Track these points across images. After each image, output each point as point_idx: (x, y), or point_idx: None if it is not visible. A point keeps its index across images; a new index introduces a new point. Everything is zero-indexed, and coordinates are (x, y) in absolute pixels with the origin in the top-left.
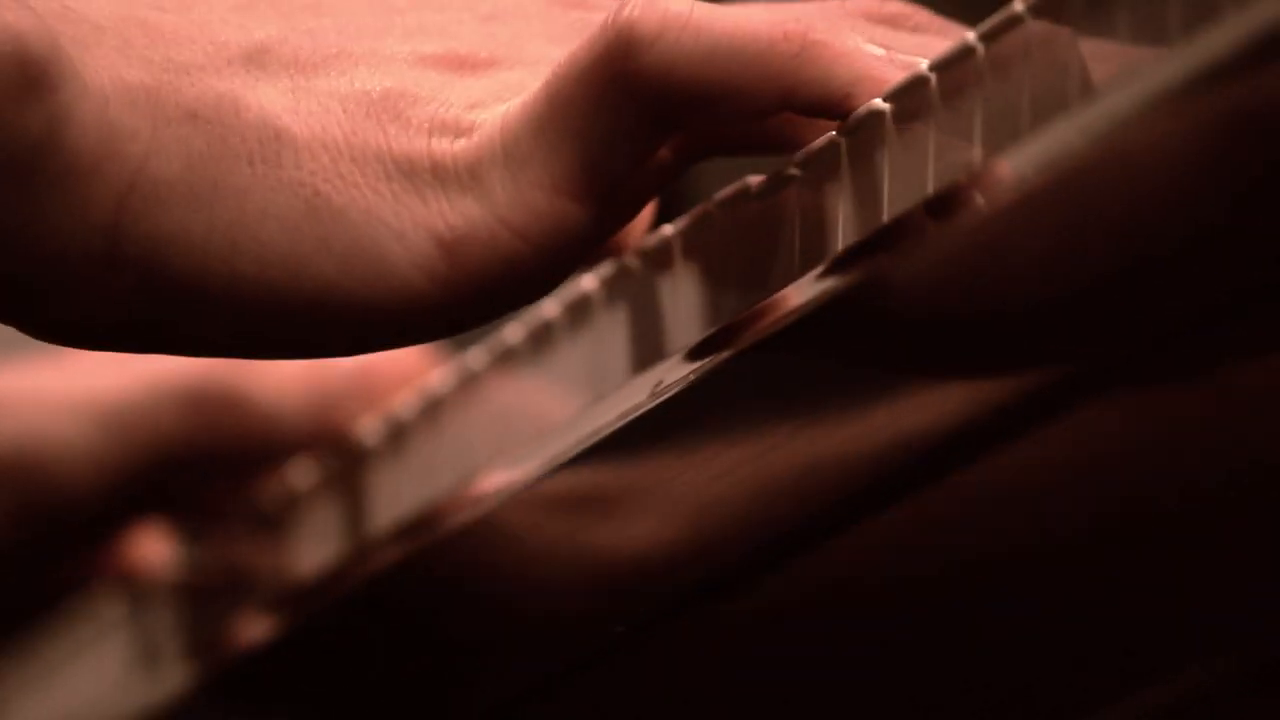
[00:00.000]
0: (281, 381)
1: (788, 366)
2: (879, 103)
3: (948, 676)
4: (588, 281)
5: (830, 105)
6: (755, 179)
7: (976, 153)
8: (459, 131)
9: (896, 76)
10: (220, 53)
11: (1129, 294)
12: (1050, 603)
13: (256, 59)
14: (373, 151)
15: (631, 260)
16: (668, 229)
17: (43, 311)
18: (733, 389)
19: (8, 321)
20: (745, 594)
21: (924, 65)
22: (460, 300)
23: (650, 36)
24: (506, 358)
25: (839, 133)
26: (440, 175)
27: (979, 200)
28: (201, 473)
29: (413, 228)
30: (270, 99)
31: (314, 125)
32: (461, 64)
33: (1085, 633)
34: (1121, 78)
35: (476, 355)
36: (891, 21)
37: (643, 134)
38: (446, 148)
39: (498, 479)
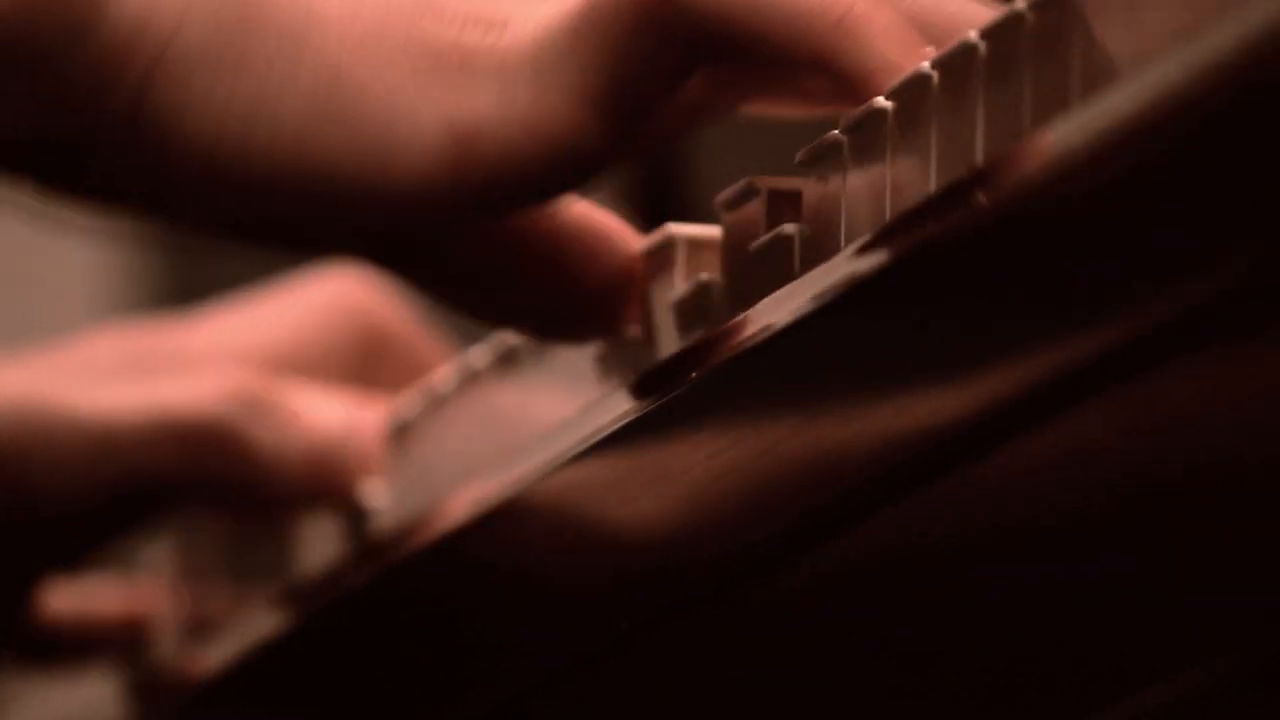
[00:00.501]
0: (283, 439)
1: (796, 357)
2: (881, 101)
3: (948, 674)
4: None
5: (858, 81)
6: (762, 180)
7: (978, 149)
8: (491, 26)
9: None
10: None
11: (1135, 289)
12: (1050, 599)
13: None
14: (401, 35)
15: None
16: (672, 228)
17: (87, 180)
18: (738, 382)
19: (64, 192)
20: (758, 584)
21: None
22: (463, 193)
23: None
24: (509, 357)
25: (841, 130)
26: (465, 66)
27: (981, 198)
28: (187, 510)
29: (428, 112)
30: None
31: (345, 7)
32: None
33: (1087, 631)
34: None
35: (479, 353)
36: None
37: (673, 63)
38: (477, 40)
39: (505, 474)
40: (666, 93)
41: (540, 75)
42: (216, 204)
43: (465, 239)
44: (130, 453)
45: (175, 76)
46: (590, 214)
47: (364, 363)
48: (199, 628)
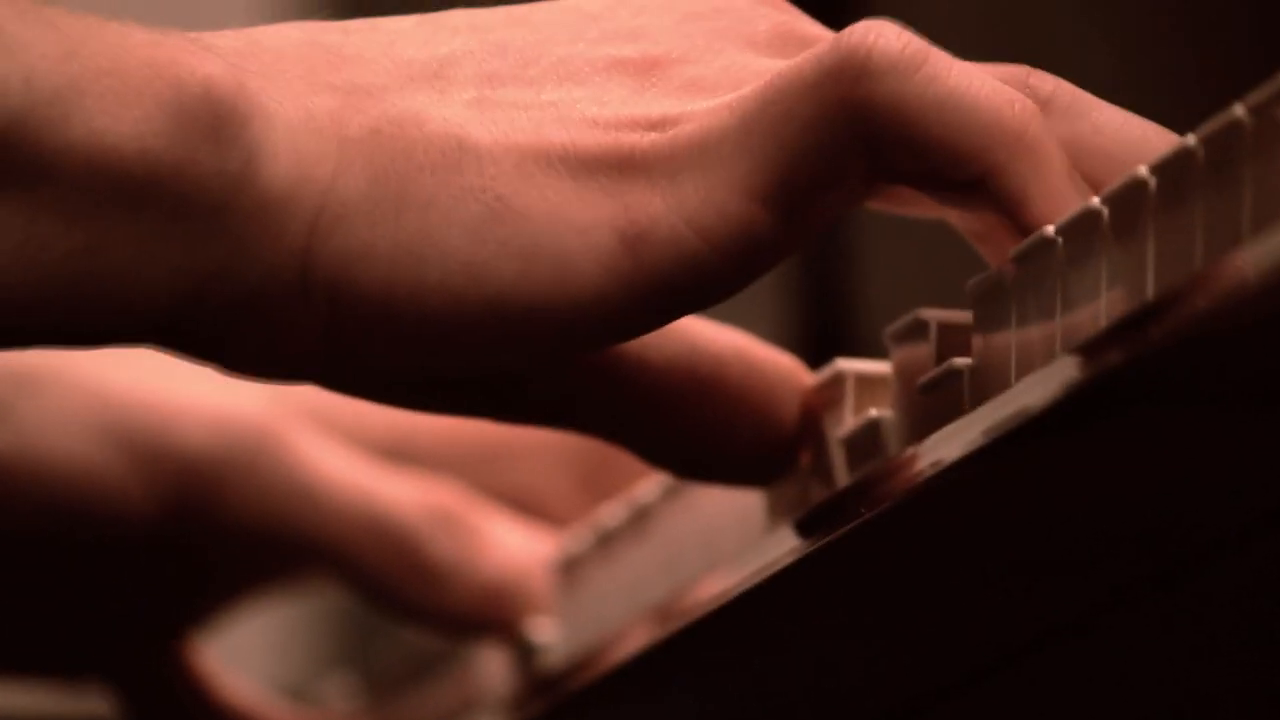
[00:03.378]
0: (465, 563)
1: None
2: (1049, 231)
3: None
4: None
5: (1015, 202)
6: (930, 312)
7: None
8: (652, 127)
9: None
10: (403, 71)
11: None
12: None
13: (441, 75)
14: (557, 151)
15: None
16: (841, 363)
17: (239, 346)
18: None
19: (203, 359)
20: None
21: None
22: (638, 300)
23: (885, 66)
24: (677, 491)
25: (1012, 259)
26: (627, 169)
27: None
28: (232, 542)
29: (595, 223)
30: (453, 112)
31: (496, 132)
32: (655, 65)
33: None
34: None
35: (648, 488)
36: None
37: (848, 159)
38: (637, 141)
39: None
40: (834, 187)
41: (708, 171)
42: (392, 350)
43: (638, 381)
44: (331, 535)
45: (339, 224)
46: (762, 353)
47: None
48: None
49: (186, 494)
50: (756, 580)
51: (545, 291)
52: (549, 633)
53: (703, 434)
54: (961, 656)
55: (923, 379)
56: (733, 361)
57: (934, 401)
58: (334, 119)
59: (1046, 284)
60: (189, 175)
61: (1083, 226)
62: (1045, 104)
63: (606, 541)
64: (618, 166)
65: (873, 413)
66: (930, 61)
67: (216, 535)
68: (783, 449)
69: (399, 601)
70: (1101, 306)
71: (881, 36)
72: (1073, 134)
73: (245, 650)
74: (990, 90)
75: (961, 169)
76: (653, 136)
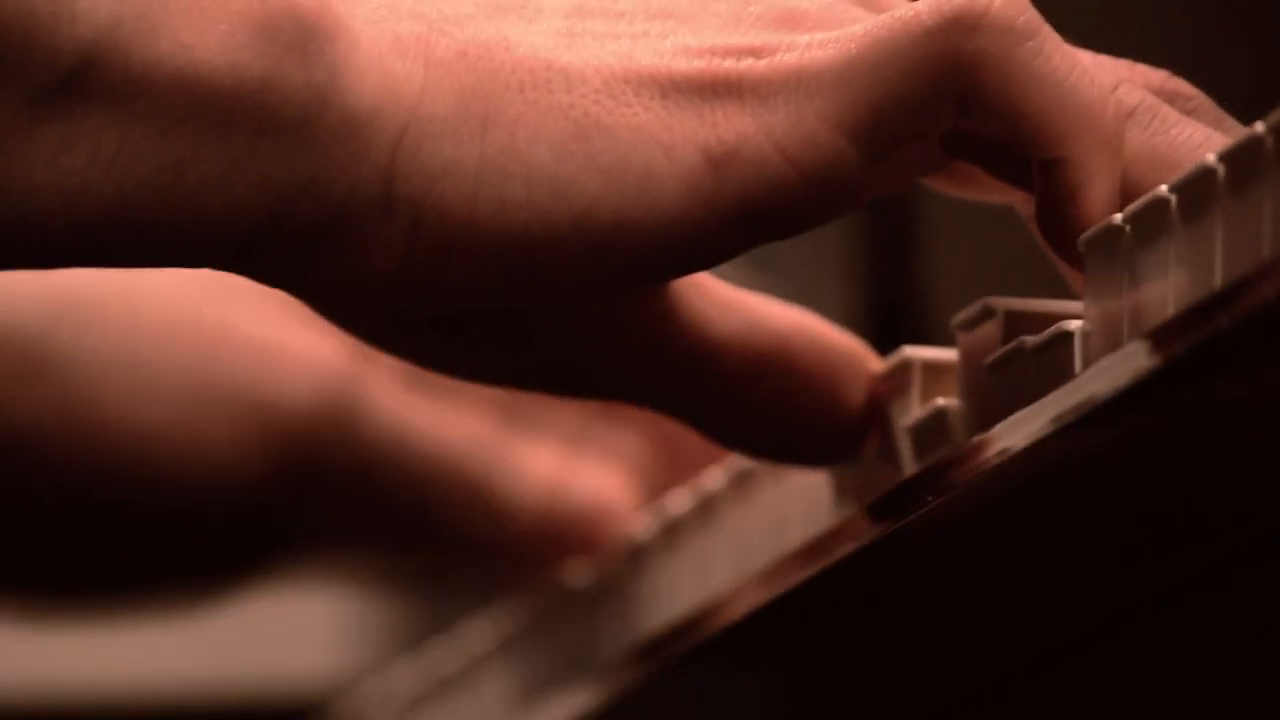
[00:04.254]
0: (519, 491)
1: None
2: (1118, 219)
3: None
4: None
5: (1069, 199)
6: (998, 300)
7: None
8: (751, 53)
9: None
10: (489, 1)
11: None
12: None
13: (528, 4)
14: (648, 71)
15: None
16: (908, 351)
17: (322, 268)
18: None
19: (285, 284)
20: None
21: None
22: (720, 220)
23: (1001, 27)
24: (745, 479)
25: (1081, 245)
26: (721, 90)
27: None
28: (324, 504)
29: (682, 141)
30: (541, 38)
31: (587, 55)
32: (783, 20)
33: None
34: None
35: (714, 476)
36: (1173, 99)
37: (941, 111)
38: (733, 65)
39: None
40: (921, 137)
41: (802, 99)
42: (474, 270)
43: (698, 353)
44: (422, 483)
45: (424, 142)
46: (828, 333)
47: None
48: None
49: (292, 452)
50: (824, 566)
51: (629, 208)
52: (584, 579)
53: (765, 411)
54: (1028, 643)
55: (990, 358)
56: (795, 339)
57: (1001, 388)
58: (420, 42)
59: (1114, 270)
60: (275, 89)
61: (1151, 214)
62: (1133, 110)
63: (672, 530)
64: (710, 88)
65: (940, 401)
66: (1042, 35)
67: (313, 496)
68: (847, 431)
69: (478, 541)
70: (1169, 294)
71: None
72: (1149, 146)
73: (302, 637)
74: (1089, 81)
75: (1043, 148)
76: (749, 61)
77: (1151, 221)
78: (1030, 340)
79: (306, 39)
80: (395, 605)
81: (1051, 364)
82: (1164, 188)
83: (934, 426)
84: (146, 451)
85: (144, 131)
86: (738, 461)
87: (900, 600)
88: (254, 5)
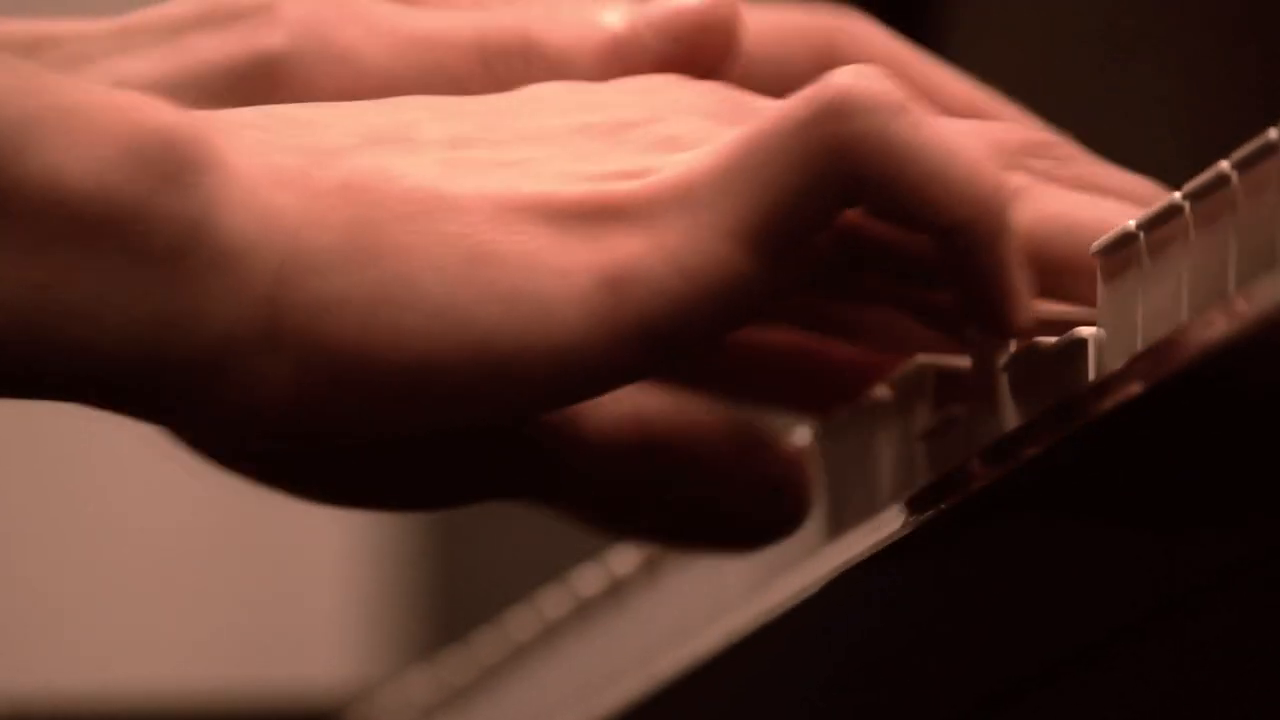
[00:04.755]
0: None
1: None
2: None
3: None
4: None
5: (996, 276)
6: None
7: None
8: (631, 175)
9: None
10: (367, 134)
11: None
12: None
13: (407, 138)
14: (535, 201)
15: (841, 415)
16: (921, 358)
17: (204, 404)
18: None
19: (171, 420)
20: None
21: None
22: (623, 344)
23: (872, 105)
24: None
25: (1094, 252)
26: (606, 215)
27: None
28: None
29: (574, 267)
30: (424, 168)
31: (470, 184)
32: (625, 127)
33: None
34: None
35: None
36: (1042, 152)
37: (830, 200)
38: (617, 189)
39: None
40: (814, 230)
41: (690, 213)
42: (367, 401)
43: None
44: None
45: (309, 275)
46: (737, 420)
47: None
48: None
49: None
50: (861, 558)
51: (528, 336)
52: None
53: (690, 495)
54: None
55: (1003, 361)
56: (715, 425)
57: (1014, 393)
58: (300, 174)
59: (1127, 273)
60: (146, 217)
61: (1164, 219)
62: (1014, 166)
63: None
64: (596, 213)
65: (953, 410)
66: (912, 109)
67: None
68: (773, 509)
69: None
70: (1184, 301)
71: (867, 79)
72: (1039, 207)
73: (317, 644)
74: (967, 144)
75: (934, 216)
76: (631, 184)
77: (1165, 227)
78: (1045, 343)
79: (182, 168)
80: (410, 612)
81: (1066, 367)
82: (1178, 195)
83: (948, 433)
84: None
85: (8, 250)
86: None
87: (931, 597)
88: (129, 130)
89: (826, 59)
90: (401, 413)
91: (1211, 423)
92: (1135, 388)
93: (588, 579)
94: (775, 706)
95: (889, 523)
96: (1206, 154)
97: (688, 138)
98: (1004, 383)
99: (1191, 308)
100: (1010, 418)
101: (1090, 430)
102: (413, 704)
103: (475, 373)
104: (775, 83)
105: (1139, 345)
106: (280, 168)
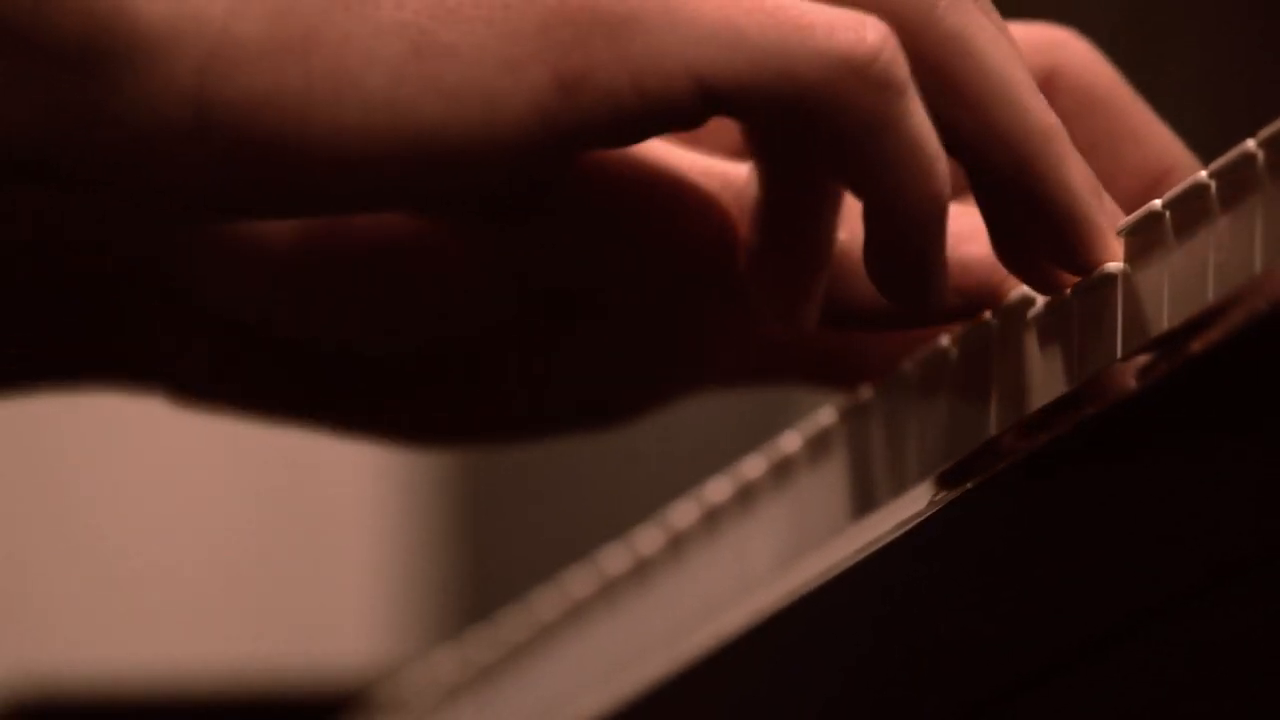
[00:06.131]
0: None
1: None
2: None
3: None
4: (825, 416)
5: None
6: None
7: (1256, 258)
8: None
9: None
10: None
11: None
12: None
13: None
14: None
15: (866, 393)
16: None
17: (137, 187)
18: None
19: (108, 193)
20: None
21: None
22: (559, 144)
23: (880, 82)
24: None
25: (1120, 233)
26: (572, 10)
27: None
28: None
29: (528, 60)
30: None
31: None
32: None
33: None
34: None
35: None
36: None
37: (784, 125)
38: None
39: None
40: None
41: (674, 44)
42: (305, 186)
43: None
44: None
45: (237, 70)
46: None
47: None
48: None
49: None
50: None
51: (471, 131)
52: None
53: (640, 251)
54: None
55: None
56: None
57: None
58: None
59: (1152, 254)
60: (49, 8)
61: (1190, 199)
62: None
63: (712, 518)
64: (559, 6)
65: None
66: (910, 95)
67: None
68: (714, 265)
69: None
70: (1209, 280)
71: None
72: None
73: (343, 624)
74: (938, 144)
75: (884, 197)
76: None
77: (1191, 206)
78: (1071, 290)
79: None
80: (437, 591)
81: (1094, 308)
82: (1203, 173)
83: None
84: None
85: None
86: (777, 450)
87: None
88: None
89: (1044, 79)
90: (332, 196)
91: (1240, 401)
92: (1162, 366)
93: (614, 559)
94: (802, 685)
95: (916, 501)
96: (1233, 137)
97: None
98: (1033, 338)
99: (1217, 287)
100: (1039, 377)
101: (1116, 410)
102: (439, 683)
103: (414, 166)
104: None
105: (1165, 324)
106: None
